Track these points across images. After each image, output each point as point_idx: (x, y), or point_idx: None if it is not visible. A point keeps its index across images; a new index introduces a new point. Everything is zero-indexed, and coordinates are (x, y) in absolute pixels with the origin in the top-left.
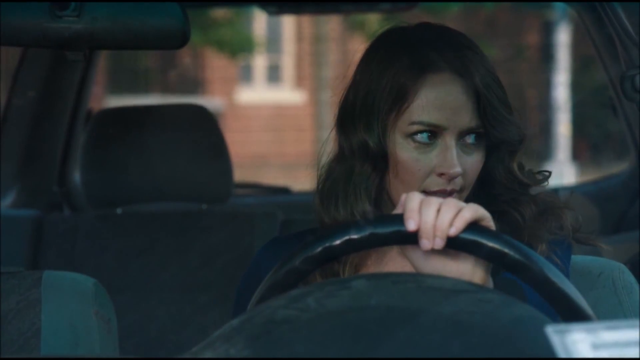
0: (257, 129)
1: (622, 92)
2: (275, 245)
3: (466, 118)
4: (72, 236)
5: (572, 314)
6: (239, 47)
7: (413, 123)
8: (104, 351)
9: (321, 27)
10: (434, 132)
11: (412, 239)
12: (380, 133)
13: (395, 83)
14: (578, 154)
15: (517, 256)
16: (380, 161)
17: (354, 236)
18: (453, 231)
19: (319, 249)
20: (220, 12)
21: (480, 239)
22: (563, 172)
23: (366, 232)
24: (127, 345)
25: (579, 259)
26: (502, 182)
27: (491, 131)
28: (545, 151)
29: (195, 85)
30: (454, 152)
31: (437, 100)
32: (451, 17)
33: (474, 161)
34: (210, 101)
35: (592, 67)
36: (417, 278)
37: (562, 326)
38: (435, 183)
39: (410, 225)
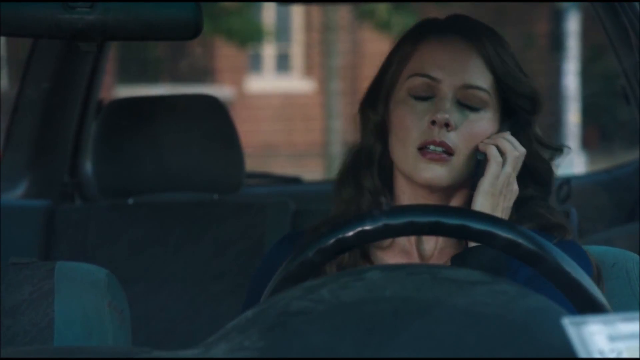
0: (266, 118)
1: (637, 81)
2: (289, 240)
3: (466, 75)
4: (84, 226)
5: (588, 305)
6: (248, 36)
7: (410, 76)
8: (117, 342)
9: (330, 15)
10: (430, 87)
11: (425, 230)
12: (383, 100)
13: (398, 48)
14: (588, 143)
15: (531, 247)
16: (381, 130)
17: (367, 227)
18: None
19: (332, 240)
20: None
21: (494, 230)
22: (573, 161)
23: (379, 223)
24: (140, 336)
25: (592, 249)
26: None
27: (505, 89)
28: (555, 139)
29: (205, 74)
30: (445, 102)
31: (435, 54)
32: (460, 5)
33: (473, 123)
34: (220, 90)
35: (602, 55)
36: (431, 269)
37: (578, 318)
38: (427, 134)
39: None
